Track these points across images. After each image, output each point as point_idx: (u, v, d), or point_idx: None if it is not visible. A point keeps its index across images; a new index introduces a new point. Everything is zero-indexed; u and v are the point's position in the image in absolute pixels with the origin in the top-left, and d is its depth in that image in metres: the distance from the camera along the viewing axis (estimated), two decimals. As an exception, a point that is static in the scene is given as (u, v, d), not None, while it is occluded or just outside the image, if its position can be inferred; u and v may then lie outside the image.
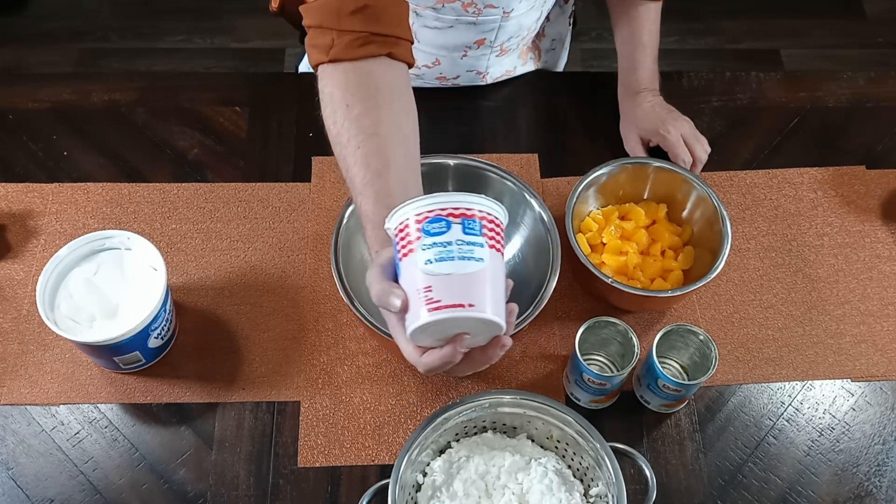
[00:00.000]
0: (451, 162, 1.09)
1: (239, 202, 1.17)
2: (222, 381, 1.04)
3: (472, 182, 1.09)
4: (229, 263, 1.12)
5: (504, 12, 1.14)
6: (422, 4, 1.13)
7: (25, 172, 1.19)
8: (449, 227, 0.69)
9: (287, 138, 1.24)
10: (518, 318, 0.86)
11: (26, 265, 1.11)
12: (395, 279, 0.73)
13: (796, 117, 1.30)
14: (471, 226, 0.70)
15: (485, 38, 1.19)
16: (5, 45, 2.46)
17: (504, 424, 0.97)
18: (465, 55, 1.22)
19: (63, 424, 1.00)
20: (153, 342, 1.00)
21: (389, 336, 0.92)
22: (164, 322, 1.00)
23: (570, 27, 1.40)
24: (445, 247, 0.69)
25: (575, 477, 0.94)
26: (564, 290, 1.10)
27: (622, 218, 1.13)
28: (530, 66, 1.34)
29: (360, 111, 0.85)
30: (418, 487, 0.93)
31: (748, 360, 1.07)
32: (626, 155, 1.21)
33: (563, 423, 0.92)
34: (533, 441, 0.97)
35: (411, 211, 0.71)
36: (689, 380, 1.03)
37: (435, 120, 1.20)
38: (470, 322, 0.70)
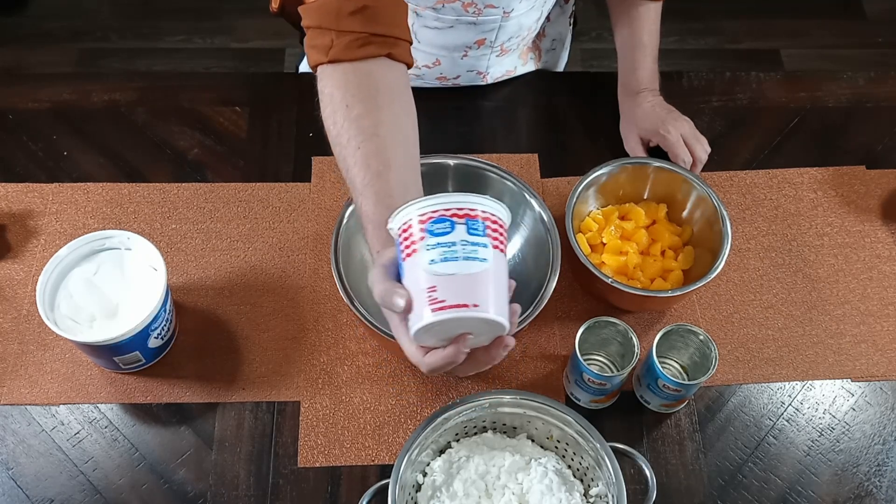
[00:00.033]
0: (451, 162, 1.09)
1: (239, 202, 1.17)
2: (222, 381, 1.04)
3: (472, 182, 1.09)
4: (229, 263, 1.12)
5: (504, 12, 1.14)
6: (422, 4, 1.13)
7: (25, 172, 1.19)
8: (453, 228, 0.69)
9: (287, 138, 1.24)
10: (518, 318, 0.86)
11: (26, 265, 1.11)
12: (398, 279, 0.73)
13: (796, 117, 1.30)
14: (475, 226, 0.70)
15: (485, 39, 1.19)
16: (5, 45, 2.46)
17: (504, 424, 0.97)
18: (465, 55, 1.22)
19: (63, 424, 1.00)
20: (153, 342, 1.00)
21: (390, 336, 0.92)
22: (164, 322, 1.00)
23: (571, 27, 1.40)
24: (450, 247, 0.69)
25: (575, 477, 0.94)
26: (564, 290, 1.10)
27: (622, 218, 1.13)
28: (531, 67, 1.34)
29: (360, 112, 0.85)
30: (418, 487, 0.93)
31: (748, 360, 1.07)
32: (626, 155, 1.21)
33: (563, 423, 0.92)
34: (533, 441, 0.97)
35: (415, 211, 0.71)
36: (689, 380, 1.03)
37: (435, 120, 1.20)
38: (474, 322, 0.70)
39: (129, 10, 2.58)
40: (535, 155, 1.23)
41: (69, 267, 1.00)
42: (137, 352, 0.99)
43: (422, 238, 0.70)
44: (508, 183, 1.08)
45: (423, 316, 0.69)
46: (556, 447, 0.95)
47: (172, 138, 1.23)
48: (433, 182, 1.06)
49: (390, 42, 0.88)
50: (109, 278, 1.00)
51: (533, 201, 1.06)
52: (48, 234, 1.13)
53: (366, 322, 0.95)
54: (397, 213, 0.72)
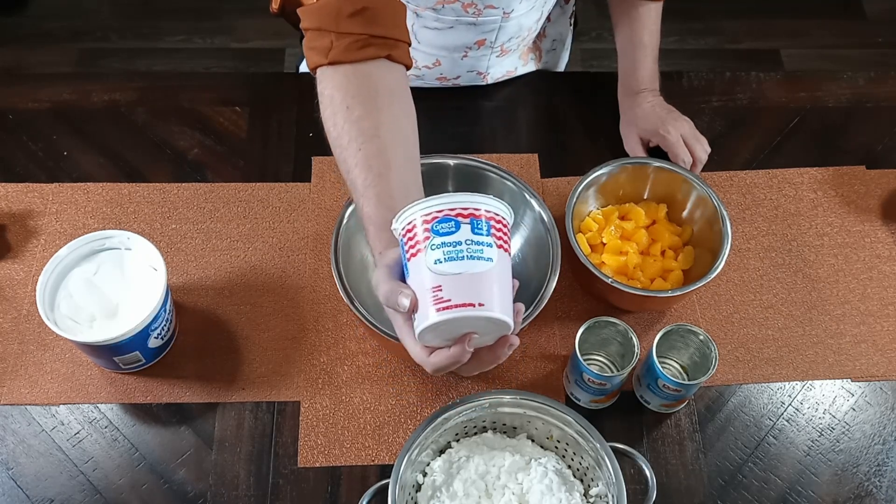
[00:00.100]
0: (451, 162, 1.09)
1: (239, 202, 1.17)
2: (222, 381, 1.04)
3: (472, 182, 1.09)
4: (229, 263, 1.12)
5: (504, 13, 1.14)
6: (422, 5, 1.13)
7: (25, 172, 1.19)
8: (458, 227, 0.70)
9: (287, 138, 1.24)
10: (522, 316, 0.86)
11: (26, 265, 1.11)
12: (403, 280, 0.73)
13: (796, 117, 1.30)
14: (479, 226, 0.70)
15: (485, 39, 1.19)
16: (5, 45, 2.46)
17: (504, 424, 0.97)
18: (465, 56, 1.22)
19: (63, 424, 1.00)
20: (153, 342, 1.00)
21: (390, 336, 0.93)
22: (164, 322, 1.00)
23: (571, 28, 1.40)
24: (455, 246, 0.69)
25: (575, 477, 0.94)
26: (564, 290, 1.10)
27: (622, 218, 1.13)
28: (531, 67, 1.34)
29: (361, 113, 0.85)
30: (418, 487, 0.93)
31: (748, 360, 1.07)
32: (626, 155, 1.21)
33: (563, 423, 0.92)
34: (533, 441, 0.97)
35: (419, 211, 0.71)
36: (689, 380, 1.03)
37: (435, 120, 1.21)
38: (479, 321, 0.70)
39: (129, 10, 2.58)
40: (535, 155, 1.23)
41: (69, 267, 1.00)
42: (137, 352, 0.99)
43: (426, 238, 0.70)
44: (508, 183, 1.08)
45: (429, 316, 0.69)
46: (556, 447, 0.95)
47: (172, 138, 1.23)
48: (433, 182, 1.06)
49: (390, 44, 0.89)
50: (109, 278, 1.00)
51: (533, 201, 1.06)
52: (48, 234, 1.13)
53: (366, 322, 0.95)
54: (401, 214, 0.72)
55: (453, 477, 0.92)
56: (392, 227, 0.74)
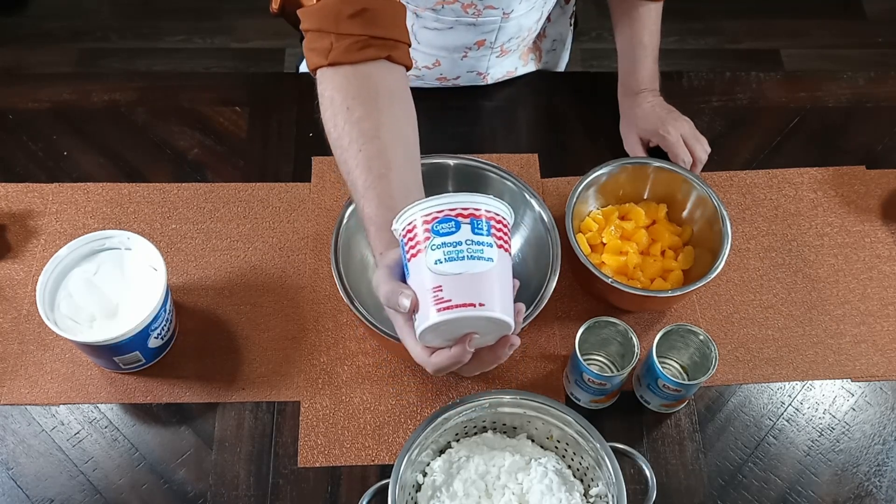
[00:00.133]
0: (451, 162, 1.09)
1: (239, 202, 1.17)
2: (222, 381, 1.04)
3: (472, 182, 1.09)
4: (229, 263, 1.12)
5: (504, 13, 1.14)
6: (421, 6, 1.13)
7: (25, 172, 1.19)
8: (458, 228, 0.70)
9: (287, 138, 1.24)
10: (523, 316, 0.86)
11: (26, 265, 1.11)
12: (403, 280, 0.73)
13: (796, 117, 1.30)
14: (479, 226, 0.70)
15: (485, 39, 1.19)
16: (5, 45, 2.46)
17: (504, 424, 0.97)
18: (465, 56, 1.22)
19: (63, 424, 1.00)
20: (153, 342, 1.00)
21: (390, 336, 0.93)
22: (164, 322, 1.00)
23: (572, 28, 1.40)
24: (455, 247, 0.69)
25: (575, 477, 0.94)
26: (564, 290, 1.10)
27: (622, 218, 1.13)
28: (531, 67, 1.34)
29: (361, 114, 0.85)
30: (418, 487, 0.93)
31: (748, 360, 1.07)
32: (626, 155, 1.21)
33: (563, 423, 0.92)
34: (533, 441, 0.97)
35: (419, 212, 0.71)
36: (689, 380, 1.03)
37: (435, 120, 1.20)
38: (480, 321, 0.70)
39: (129, 10, 2.58)
40: (535, 155, 1.23)
41: (69, 267, 1.00)
42: (137, 352, 0.99)
43: (427, 238, 0.70)
44: (508, 183, 1.08)
45: (430, 316, 0.70)
46: (556, 447, 0.95)
47: (172, 138, 1.23)
48: (433, 182, 1.06)
49: (389, 44, 0.89)
50: (109, 278, 1.00)
51: (533, 201, 1.06)
52: (48, 234, 1.13)
53: (366, 322, 0.95)
54: (401, 214, 0.72)
55: (453, 477, 0.92)
56: (392, 228, 0.74)
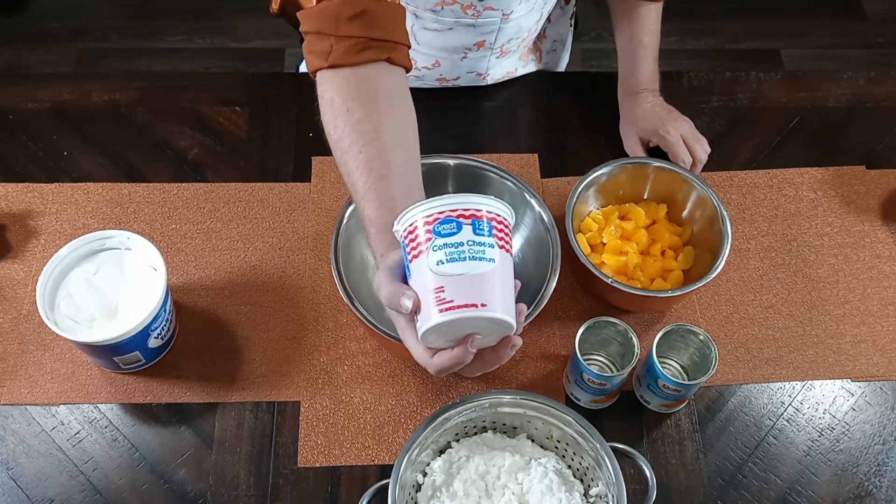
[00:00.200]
0: (451, 162, 1.09)
1: (239, 202, 1.17)
2: (222, 381, 1.04)
3: (472, 182, 1.09)
4: (229, 263, 1.12)
5: (503, 14, 1.14)
6: (421, 7, 1.13)
7: (25, 172, 1.19)
8: (460, 228, 0.70)
9: (287, 138, 1.24)
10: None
11: (26, 265, 1.11)
12: (405, 282, 0.73)
13: (796, 117, 1.30)
14: (480, 226, 0.70)
15: (484, 40, 1.19)
16: (5, 45, 2.46)
17: (504, 424, 0.97)
18: (465, 57, 1.22)
19: (63, 424, 1.00)
20: (153, 342, 1.00)
21: (390, 336, 0.93)
22: (164, 322, 1.00)
23: (572, 28, 1.40)
24: (457, 247, 0.69)
25: (575, 477, 0.94)
26: (564, 290, 1.10)
27: (622, 218, 1.13)
28: (531, 68, 1.34)
29: (361, 116, 0.85)
30: (418, 487, 0.93)
31: (748, 360, 1.07)
32: (626, 155, 1.21)
33: (563, 423, 0.92)
34: (533, 441, 0.97)
35: (420, 213, 0.71)
36: (689, 380, 1.03)
37: (435, 120, 1.20)
38: (482, 322, 0.70)
39: (129, 10, 2.58)
40: (535, 155, 1.23)
41: (69, 267, 1.00)
42: (137, 352, 0.99)
43: (428, 239, 0.70)
44: (508, 183, 1.08)
45: (432, 317, 0.70)
46: (556, 447, 0.95)
47: (172, 138, 1.23)
48: (433, 182, 1.06)
49: (389, 46, 0.89)
50: (109, 278, 1.00)
51: (533, 201, 1.06)
52: (48, 234, 1.13)
53: (366, 322, 0.95)
54: (403, 216, 0.72)
55: (453, 477, 0.92)
56: (393, 229, 0.74)
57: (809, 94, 1.32)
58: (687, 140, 1.16)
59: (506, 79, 1.31)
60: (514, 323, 0.71)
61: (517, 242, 1.09)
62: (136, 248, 1.01)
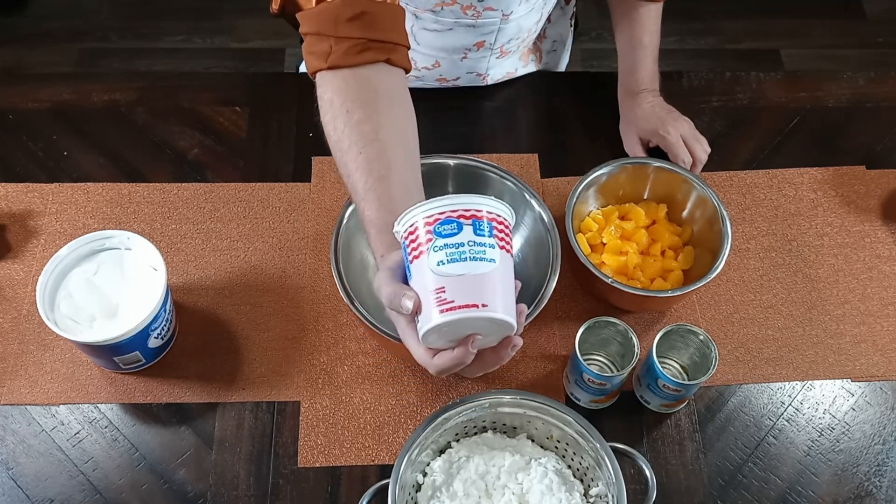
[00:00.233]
0: (451, 162, 1.09)
1: (239, 202, 1.17)
2: (222, 381, 1.04)
3: (472, 182, 1.09)
4: (229, 263, 1.12)
5: (503, 15, 1.14)
6: (421, 7, 1.13)
7: (25, 172, 1.19)
8: (460, 229, 0.70)
9: (287, 138, 1.24)
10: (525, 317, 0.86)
11: (26, 265, 1.11)
12: (405, 282, 0.73)
13: (796, 117, 1.30)
14: (481, 227, 0.71)
15: (484, 41, 1.19)
16: (5, 45, 2.46)
17: (504, 424, 0.97)
18: (464, 57, 1.22)
19: (63, 424, 1.00)
20: (153, 342, 1.00)
21: (390, 336, 0.93)
22: (164, 322, 1.00)
23: (572, 29, 1.40)
24: (458, 248, 0.69)
25: (575, 477, 0.94)
26: (564, 290, 1.10)
27: (622, 218, 1.13)
28: (531, 68, 1.34)
29: (361, 117, 0.85)
30: (418, 487, 0.93)
31: (748, 360, 1.07)
32: (626, 155, 1.21)
33: (563, 423, 0.92)
34: (533, 441, 0.97)
35: (421, 214, 0.71)
36: (689, 380, 1.03)
37: (435, 120, 1.21)
38: (482, 322, 0.70)
39: (129, 10, 2.58)
40: (535, 155, 1.23)
41: (69, 267, 1.00)
42: (137, 352, 0.99)
43: (429, 240, 0.70)
44: (508, 183, 1.08)
45: (432, 317, 0.70)
46: (556, 447, 0.95)
47: (172, 138, 1.23)
48: (433, 182, 1.06)
49: (388, 47, 0.89)
50: (109, 278, 1.00)
51: (533, 201, 1.06)
52: (48, 234, 1.13)
53: (366, 322, 0.95)
54: (403, 217, 0.72)
55: (453, 477, 0.92)
56: (394, 230, 0.74)
57: (809, 94, 1.32)
58: (687, 140, 1.16)
59: (506, 79, 1.31)
60: (514, 323, 0.71)
61: (517, 242, 1.09)
62: (136, 248, 1.01)
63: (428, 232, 0.70)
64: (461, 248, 0.69)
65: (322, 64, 0.87)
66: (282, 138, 1.24)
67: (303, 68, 1.42)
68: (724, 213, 1.06)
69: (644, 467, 0.93)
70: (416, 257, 0.71)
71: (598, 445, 0.89)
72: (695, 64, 2.49)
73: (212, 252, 1.13)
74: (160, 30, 2.52)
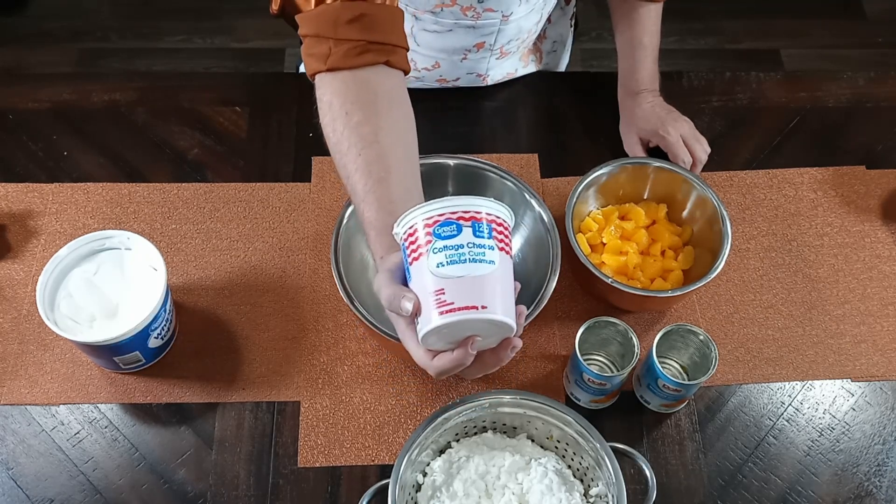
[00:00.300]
0: (451, 162, 1.09)
1: (239, 202, 1.17)
2: (222, 381, 1.04)
3: (472, 182, 1.09)
4: (229, 263, 1.12)
5: (503, 16, 1.14)
6: (421, 8, 1.13)
7: (25, 172, 1.19)
8: (460, 231, 0.70)
9: (287, 138, 1.24)
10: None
11: (26, 265, 1.11)
12: (404, 284, 0.73)
13: (796, 117, 1.30)
14: (480, 228, 0.71)
15: (484, 42, 1.19)
16: (5, 45, 2.46)
17: (504, 424, 0.97)
18: (464, 58, 1.22)
19: (63, 424, 1.00)
20: (153, 342, 1.00)
21: (390, 336, 0.93)
22: (164, 322, 1.00)
23: (572, 29, 1.40)
24: (457, 250, 0.69)
25: (575, 477, 0.94)
26: (564, 290, 1.10)
27: (622, 218, 1.13)
28: (531, 69, 1.34)
29: (360, 119, 0.85)
30: (418, 487, 0.93)
31: (748, 360, 1.07)
32: (626, 155, 1.21)
33: (563, 423, 0.92)
34: (533, 441, 0.97)
35: (420, 215, 0.71)
36: (689, 380, 1.03)
37: (435, 120, 1.21)
38: (482, 324, 0.71)
39: (129, 10, 2.58)
40: (535, 155, 1.23)
41: (69, 267, 1.00)
42: (137, 352, 0.99)
43: (428, 242, 0.70)
44: (508, 183, 1.08)
45: (432, 319, 0.70)
46: (556, 447, 0.95)
47: (172, 138, 1.23)
48: (433, 182, 1.06)
49: (388, 49, 0.89)
50: (109, 278, 1.00)
51: (533, 201, 1.06)
52: (48, 234, 1.13)
53: (366, 322, 0.95)
54: (403, 218, 0.72)
55: (453, 477, 0.92)
56: (393, 232, 0.74)
57: (809, 94, 1.32)
58: (687, 140, 1.16)
59: (506, 79, 1.31)
60: (514, 325, 0.71)
61: (517, 242, 1.09)
62: (136, 248, 1.01)
63: (427, 234, 0.70)
64: (460, 250, 0.70)
65: (321, 66, 0.88)
66: (282, 138, 1.24)
67: (303, 68, 1.42)
68: (724, 213, 1.06)
69: (644, 467, 0.93)
70: (415, 259, 0.71)
71: (598, 445, 0.89)
72: (695, 64, 2.49)
73: (212, 252, 1.13)
74: (160, 30, 2.52)
